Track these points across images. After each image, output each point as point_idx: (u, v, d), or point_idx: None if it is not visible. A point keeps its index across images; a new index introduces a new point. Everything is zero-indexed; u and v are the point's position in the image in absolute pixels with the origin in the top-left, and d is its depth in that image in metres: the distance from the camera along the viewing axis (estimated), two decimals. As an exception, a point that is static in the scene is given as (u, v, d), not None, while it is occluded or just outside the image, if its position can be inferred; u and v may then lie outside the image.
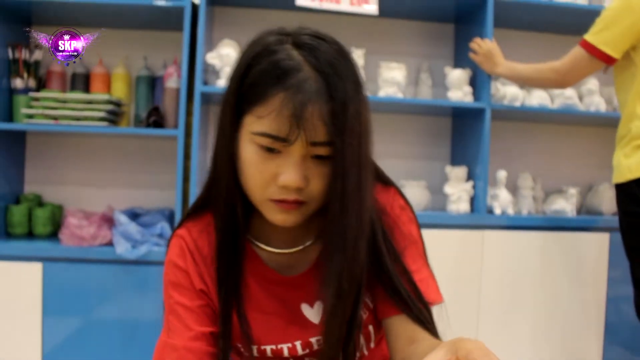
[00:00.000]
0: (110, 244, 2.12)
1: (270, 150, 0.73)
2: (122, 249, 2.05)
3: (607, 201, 2.51)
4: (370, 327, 0.92)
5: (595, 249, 2.34)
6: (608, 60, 1.82)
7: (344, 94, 0.71)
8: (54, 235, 2.28)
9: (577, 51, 1.89)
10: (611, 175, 2.71)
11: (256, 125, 0.73)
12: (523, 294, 2.30)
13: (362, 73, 0.86)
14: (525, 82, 2.18)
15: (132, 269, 2.09)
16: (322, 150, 0.73)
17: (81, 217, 2.14)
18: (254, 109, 0.73)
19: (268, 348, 0.88)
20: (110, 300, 2.10)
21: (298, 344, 0.88)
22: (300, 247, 0.88)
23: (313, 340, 0.88)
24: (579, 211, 2.57)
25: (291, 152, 0.72)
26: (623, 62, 1.85)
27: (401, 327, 0.82)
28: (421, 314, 0.82)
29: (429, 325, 0.82)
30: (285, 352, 0.88)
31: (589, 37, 1.84)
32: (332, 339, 0.78)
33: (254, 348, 0.87)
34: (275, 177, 0.74)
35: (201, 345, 0.83)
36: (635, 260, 1.83)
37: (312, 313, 0.89)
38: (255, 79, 0.73)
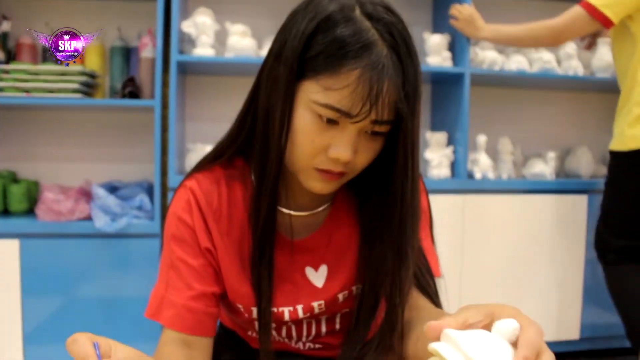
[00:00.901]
0: (88, 218, 2.08)
1: (329, 121, 0.71)
2: (101, 222, 2.01)
3: (584, 164, 2.54)
4: None
5: (574, 211, 2.37)
6: (606, 22, 1.85)
7: (416, 75, 0.70)
8: (30, 212, 2.23)
9: (576, 10, 1.91)
10: (588, 139, 2.76)
11: (321, 95, 0.69)
12: (504, 256, 2.32)
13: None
14: (514, 43, 2.18)
15: (112, 242, 2.06)
16: (381, 128, 0.72)
17: (58, 192, 2.10)
18: (320, 78, 0.69)
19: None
20: (90, 275, 2.07)
21: (300, 307, 0.87)
22: (315, 211, 0.87)
23: (315, 304, 0.88)
24: (557, 174, 2.59)
25: (349, 126, 0.71)
26: (620, 30, 1.90)
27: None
28: (427, 284, 0.83)
29: (433, 296, 0.83)
30: (286, 316, 0.87)
31: None
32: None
33: (254, 310, 0.85)
34: (326, 148, 0.72)
35: (201, 305, 0.81)
36: (604, 218, 2.00)
37: (316, 276, 0.88)
38: (325, 48, 0.69)
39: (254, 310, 0.85)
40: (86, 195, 2.16)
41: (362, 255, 0.83)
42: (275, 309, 0.86)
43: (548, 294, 2.37)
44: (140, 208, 2.11)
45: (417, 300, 0.81)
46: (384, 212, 0.78)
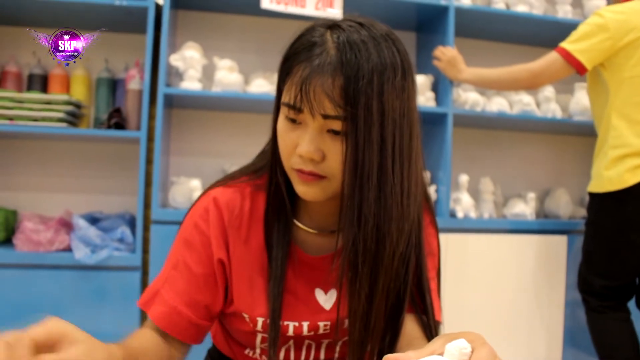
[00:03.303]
0: (68, 249, 2.05)
1: (292, 120, 0.76)
2: (81, 253, 1.98)
3: (563, 205, 2.59)
4: None
5: (555, 251, 2.39)
6: (580, 68, 1.93)
7: (357, 70, 0.71)
8: (8, 241, 2.18)
9: (552, 55, 1.98)
10: (566, 180, 2.82)
11: (284, 97, 0.77)
12: (485, 295, 2.33)
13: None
14: (493, 85, 2.23)
15: (91, 274, 2.02)
16: (335, 125, 0.73)
17: (37, 222, 2.06)
18: (285, 83, 0.77)
19: None
20: (68, 308, 2.01)
21: (305, 324, 0.88)
22: (329, 231, 0.89)
23: (321, 324, 0.88)
24: (537, 215, 2.63)
25: (307, 123, 0.75)
26: (594, 78, 1.99)
27: (407, 327, 0.82)
28: (431, 322, 0.84)
29: (433, 335, 0.83)
30: (290, 330, 0.88)
31: (566, 44, 1.95)
32: (357, 322, 0.76)
33: (260, 320, 0.86)
34: (296, 147, 0.77)
35: (191, 314, 0.83)
36: (585, 260, 2.04)
37: (325, 299, 0.89)
38: (288, 55, 0.77)
39: (259, 320, 0.86)
40: (66, 225, 2.13)
41: None
42: (280, 322, 0.86)
43: (529, 334, 2.38)
44: (121, 240, 2.09)
45: (417, 337, 0.81)
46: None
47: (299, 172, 0.77)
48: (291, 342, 0.90)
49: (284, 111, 0.77)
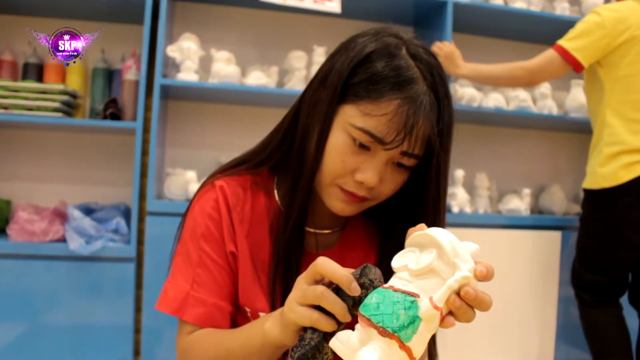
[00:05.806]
0: (62, 239, 2.04)
1: (362, 146, 0.76)
2: (76, 244, 1.97)
3: (557, 202, 2.60)
4: None
5: (549, 247, 2.40)
6: (577, 66, 1.94)
7: (450, 116, 0.77)
8: (2, 231, 2.17)
9: (550, 53, 1.99)
10: (561, 177, 2.83)
11: (359, 119, 0.75)
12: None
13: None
14: (491, 81, 2.23)
15: (85, 265, 2.01)
16: (409, 161, 0.77)
17: (32, 212, 2.06)
18: (360, 104, 0.75)
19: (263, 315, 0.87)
20: (61, 299, 2.01)
21: None
22: (331, 231, 0.91)
23: None
24: (532, 211, 2.64)
25: (380, 154, 0.76)
26: (591, 75, 2.00)
27: None
28: None
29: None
30: None
31: (563, 42, 1.96)
32: None
33: (262, 315, 0.86)
34: (354, 171, 0.77)
35: (228, 305, 0.85)
36: (579, 255, 2.04)
37: None
38: (372, 76, 0.75)
39: (261, 315, 0.86)
40: (61, 216, 2.12)
41: None
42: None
43: (522, 329, 2.38)
44: (116, 231, 2.08)
45: None
46: None
47: (347, 193, 0.78)
48: None
49: (353, 132, 0.75)
